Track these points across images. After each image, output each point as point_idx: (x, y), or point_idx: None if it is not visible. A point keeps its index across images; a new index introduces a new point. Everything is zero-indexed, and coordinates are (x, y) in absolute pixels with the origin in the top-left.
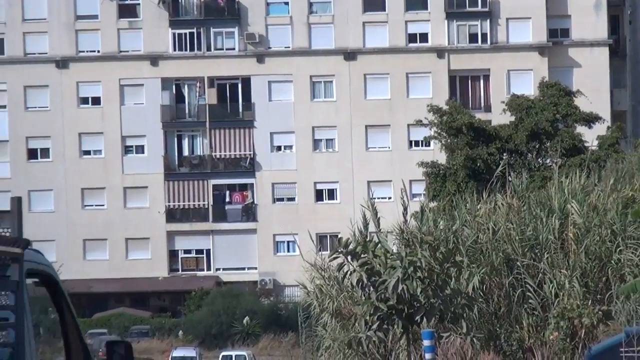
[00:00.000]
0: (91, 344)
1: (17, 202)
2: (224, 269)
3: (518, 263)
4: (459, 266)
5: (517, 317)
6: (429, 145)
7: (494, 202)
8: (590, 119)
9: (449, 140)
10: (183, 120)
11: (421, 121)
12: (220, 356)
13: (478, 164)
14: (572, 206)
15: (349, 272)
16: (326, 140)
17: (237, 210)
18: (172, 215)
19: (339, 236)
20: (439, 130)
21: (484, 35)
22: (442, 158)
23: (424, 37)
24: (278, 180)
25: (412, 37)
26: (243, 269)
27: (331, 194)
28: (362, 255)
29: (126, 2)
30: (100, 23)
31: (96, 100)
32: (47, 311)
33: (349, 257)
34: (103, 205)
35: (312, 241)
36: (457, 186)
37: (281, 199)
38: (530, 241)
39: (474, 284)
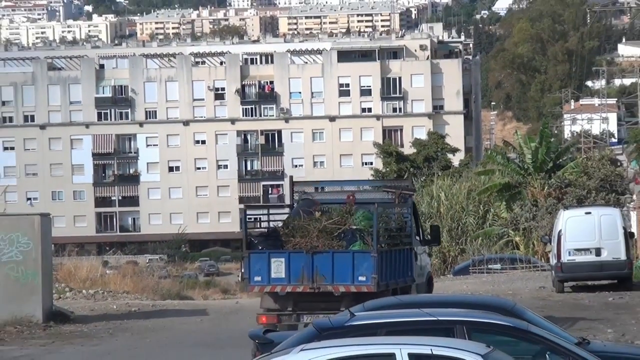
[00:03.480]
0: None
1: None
2: None
3: None
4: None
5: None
6: (373, 164)
7: None
8: (453, 150)
9: (386, 159)
10: (247, 152)
11: (374, 145)
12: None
13: (403, 171)
14: (440, 195)
15: None
16: (320, 162)
17: (275, 198)
18: (241, 200)
19: None
20: (380, 153)
21: (400, 109)
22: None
23: (369, 110)
24: None
25: (363, 109)
26: None
27: None
28: None
29: (218, 91)
30: (205, 102)
31: (203, 142)
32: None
33: None
34: (207, 195)
35: None
36: None
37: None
38: (424, 214)
39: None
